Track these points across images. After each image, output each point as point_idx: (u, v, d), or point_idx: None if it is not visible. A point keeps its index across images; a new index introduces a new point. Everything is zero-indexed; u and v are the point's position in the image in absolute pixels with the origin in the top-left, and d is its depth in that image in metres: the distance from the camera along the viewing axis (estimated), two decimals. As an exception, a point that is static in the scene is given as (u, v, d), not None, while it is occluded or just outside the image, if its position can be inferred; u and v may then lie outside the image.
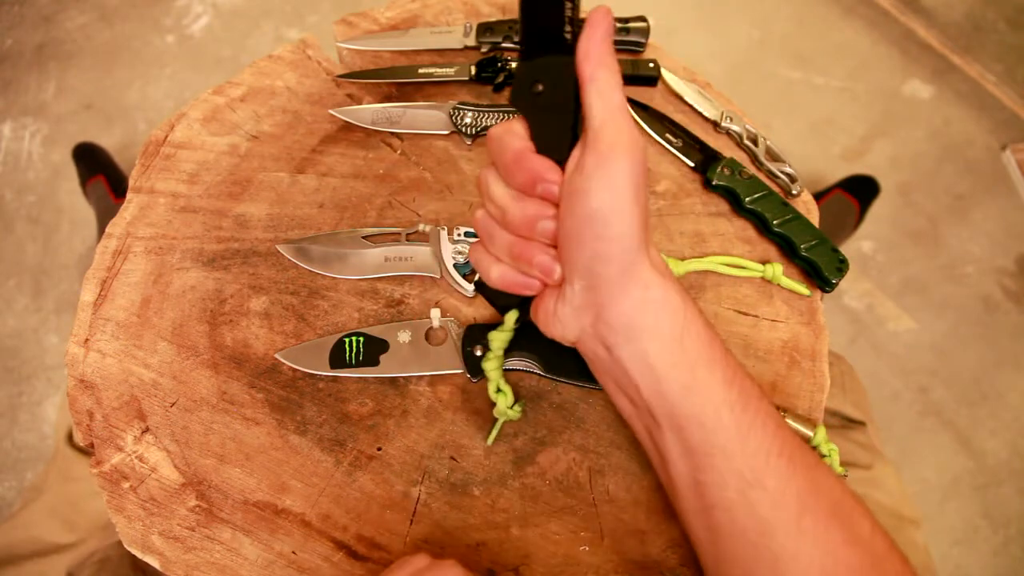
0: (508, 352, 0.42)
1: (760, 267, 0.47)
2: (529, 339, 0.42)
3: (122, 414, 0.41)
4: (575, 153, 0.31)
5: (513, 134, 0.32)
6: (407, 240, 0.46)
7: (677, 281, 0.33)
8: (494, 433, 0.41)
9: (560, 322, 0.34)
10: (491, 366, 0.39)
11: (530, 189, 0.32)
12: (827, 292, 0.48)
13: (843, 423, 0.70)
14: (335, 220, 0.48)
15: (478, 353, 0.41)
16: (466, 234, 0.46)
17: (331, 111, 0.51)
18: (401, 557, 0.36)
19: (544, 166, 0.31)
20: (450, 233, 0.46)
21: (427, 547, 0.38)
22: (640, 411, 0.34)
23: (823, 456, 0.41)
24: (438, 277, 0.45)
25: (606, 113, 0.30)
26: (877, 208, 1.15)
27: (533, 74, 0.32)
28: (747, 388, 0.33)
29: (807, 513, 0.31)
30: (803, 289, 0.47)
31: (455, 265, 0.44)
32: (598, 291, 0.32)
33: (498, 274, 0.35)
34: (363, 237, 0.45)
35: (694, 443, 0.32)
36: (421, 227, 0.46)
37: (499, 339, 0.39)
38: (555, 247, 0.33)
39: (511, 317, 0.38)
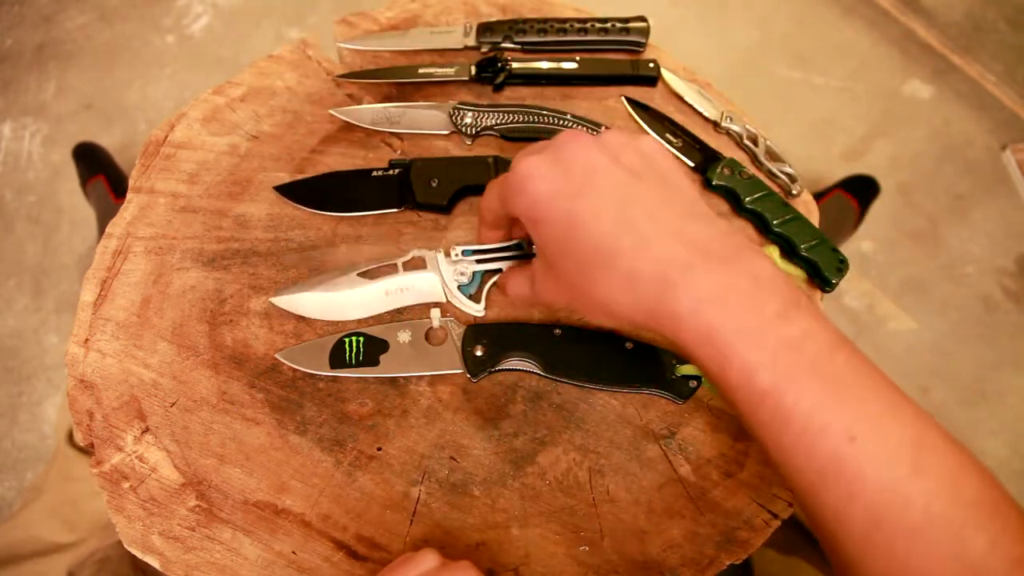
0: (508, 352, 0.42)
1: None
2: (529, 339, 0.42)
3: (122, 414, 0.41)
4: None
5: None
6: (405, 270, 0.43)
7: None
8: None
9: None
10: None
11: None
12: (827, 292, 0.48)
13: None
14: (335, 221, 0.48)
15: (478, 353, 0.41)
16: (463, 252, 0.44)
17: (331, 111, 0.51)
18: (403, 554, 0.36)
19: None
20: (447, 255, 0.44)
21: (428, 546, 0.38)
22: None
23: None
24: (444, 301, 0.45)
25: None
26: (877, 208, 1.15)
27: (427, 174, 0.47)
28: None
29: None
30: (797, 272, 0.48)
31: (459, 287, 0.43)
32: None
33: None
34: (358, 274, 0.43)
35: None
36: (415, 253, 0.44)
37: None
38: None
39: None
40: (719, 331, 0.29)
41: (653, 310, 0.30)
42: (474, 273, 0.43)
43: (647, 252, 0.30)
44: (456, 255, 0.44)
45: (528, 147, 0.35)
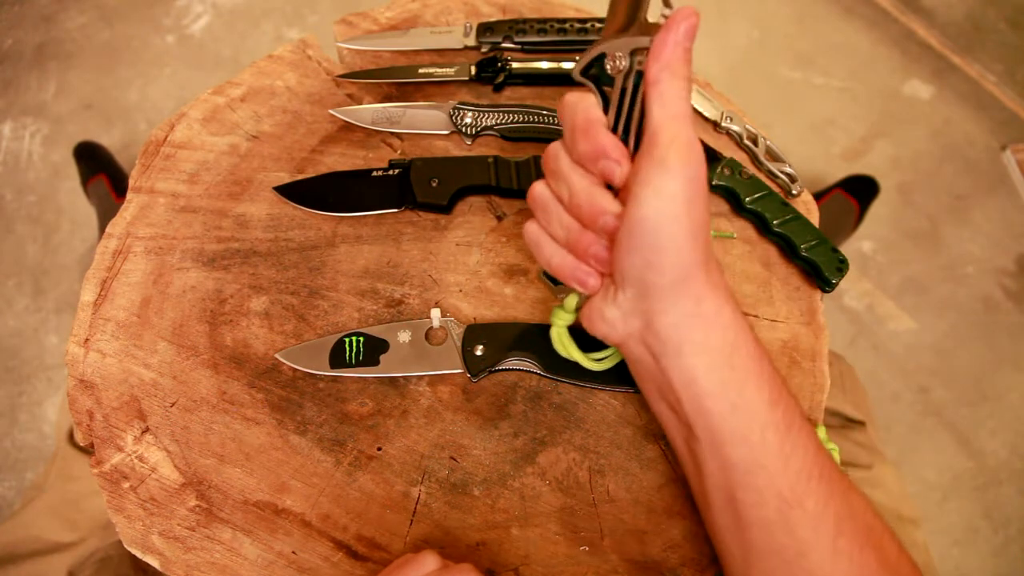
0: (508, 352, 0.42)
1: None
2: (529, 339, 0.42)
3: (122, 414, 0.41)
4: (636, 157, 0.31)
5: (590, 103, 0.32)
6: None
7: (732, 296, 0.33)
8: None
9: (607, 323, 0.33)
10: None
11: (592, 163, 0.31)
12: (827, 292, 0.48)
13: (843, 423, 0.70)
14: (335, 221, 0.48)
15: (478, 353, 0.41)
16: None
17: (331, 111, 0.51)
18: (403, 554, 0.36)
19: (612, 143, 0.31)
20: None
21: (427, 547, 0.38)
22: (680, 421, 0.34)
23: None
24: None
25: (665, 119, 0.29)
26: (877, 208, 1.15)
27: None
28: (791, 408, 0.32)
29: (843, 535, 0.30)
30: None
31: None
32: (648, 299, 0.31)
33: (558, 262, 0.34)
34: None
35: (735, 460, 0.31)
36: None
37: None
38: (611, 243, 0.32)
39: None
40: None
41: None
42: None
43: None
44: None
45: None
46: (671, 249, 0.30)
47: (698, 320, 0.31)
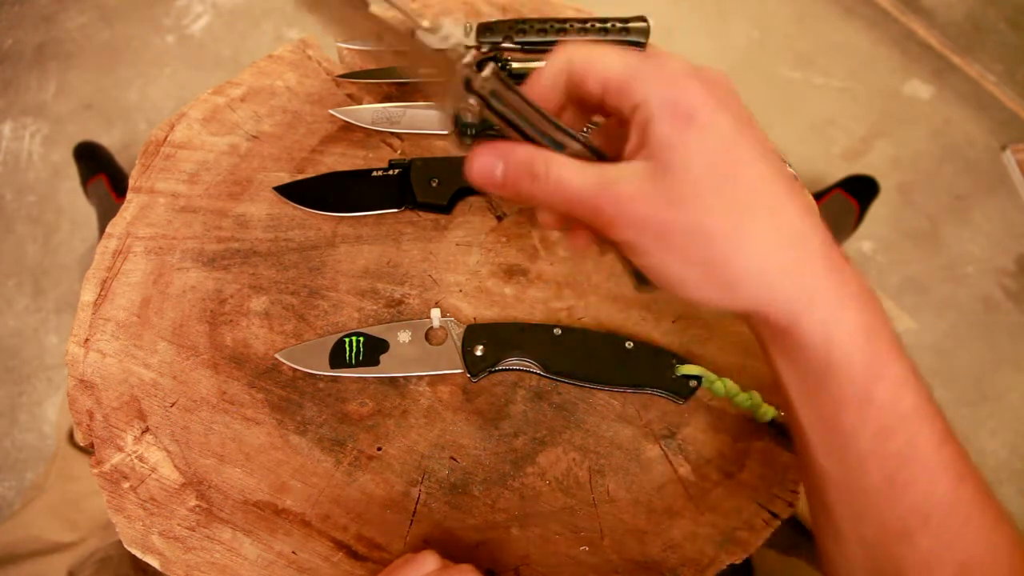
0: (508, 352, 0.42)
1: None
2: (529, 339, 0.42)
3: (122, 414, 0.41)
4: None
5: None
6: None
7: (841, 294, 0.26)
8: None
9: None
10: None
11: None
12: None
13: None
14: (335, 221, 0.48)
15: (478, 353, 0.41)
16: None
17: (331, 111, 0.51)
18: (403, 555, 0.36)
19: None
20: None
21: (427, 547, 0.38)
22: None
23: None
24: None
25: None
26: (877, 208, 1.15)
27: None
28: (915, 438, 0.28)
29: None
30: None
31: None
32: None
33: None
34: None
35: (829, 473, 0.28)
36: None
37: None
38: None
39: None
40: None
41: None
42: None
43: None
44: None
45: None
46: (744, 283, 0.25)
47: (786, 343, 0.27)
